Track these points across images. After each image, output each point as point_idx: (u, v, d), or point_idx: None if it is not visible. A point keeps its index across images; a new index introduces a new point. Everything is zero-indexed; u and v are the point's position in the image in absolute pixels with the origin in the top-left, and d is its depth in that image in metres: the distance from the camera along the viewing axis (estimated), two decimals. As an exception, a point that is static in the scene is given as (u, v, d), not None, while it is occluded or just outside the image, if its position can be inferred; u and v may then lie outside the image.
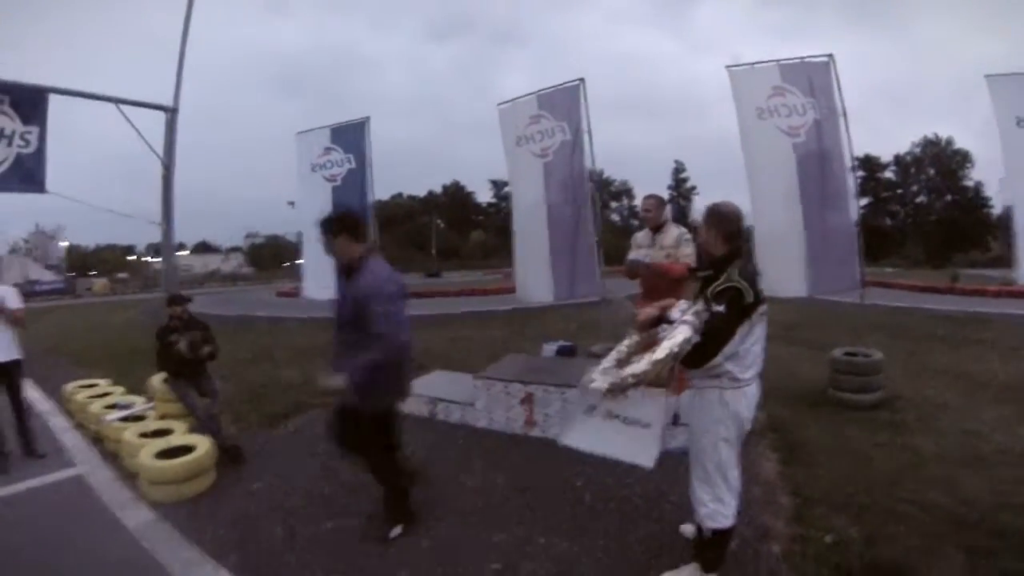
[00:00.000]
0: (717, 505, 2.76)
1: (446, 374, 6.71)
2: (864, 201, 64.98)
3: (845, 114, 5.83)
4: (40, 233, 74.27)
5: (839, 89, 5.85)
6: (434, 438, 5.09)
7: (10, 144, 5.56)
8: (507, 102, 6.92)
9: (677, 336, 2.49)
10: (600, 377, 2.67)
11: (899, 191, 67.60)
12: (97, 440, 5.54)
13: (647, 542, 3.29)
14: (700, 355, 2.57)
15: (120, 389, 6.66)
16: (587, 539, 3.33)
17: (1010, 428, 5.00)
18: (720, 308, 2.55)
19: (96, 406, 5.85)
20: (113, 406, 5.84)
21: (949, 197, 64.40)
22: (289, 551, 3.37)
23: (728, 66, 6.10)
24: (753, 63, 6.09)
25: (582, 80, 6.27)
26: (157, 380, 5.72)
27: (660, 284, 4.79)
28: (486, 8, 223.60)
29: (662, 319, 2.73)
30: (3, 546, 3.56)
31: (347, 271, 3.31)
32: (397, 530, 3.44)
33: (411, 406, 5.70)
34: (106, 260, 74.85)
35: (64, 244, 72.25)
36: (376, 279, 3.18)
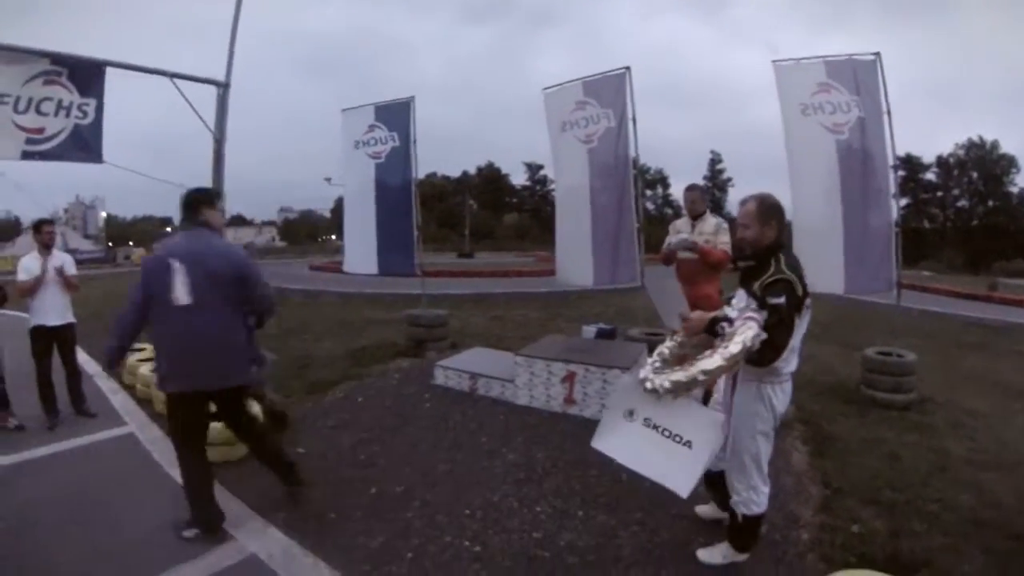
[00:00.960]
0: (750, 493, 2.82)
1: (486, 351, 6.85)
2: (904, 202, 63.51)
3: (890, 113, 5.76)
4: (79, 203, 76.24)
5: (885, 88, 5.79)
6: (475, 412, 5.21)
7: (68, 115, 5.75)
8: (553, 87, 6.94)
9: (747, 331, 2.43)
10: (655, 376, 2.57)
11: (940, 194, 65.65)
12: (145, 401, 5.79)
13: (681, 520, 3.39)
14: (772, 351, 2.52)
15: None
16: (624, 513, 3.44)
17: (1040, 438, 4.96)
18: (780, 300, 2.52)
19: (145, 368, 6.05)
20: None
21: (992, 202, 62.46)
22: (333, 511, 3.54)
23: (774, 60, 6.07)
24: (799, 58, 6.04)
25: (628, 68, 6.29)
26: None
27: (697, 270, 4.89)
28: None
29: (717, 319, 2.66)
30: (64, 497, 3.78)
31: None
32: (190, 532, 3.27)
33: (452, 380, 5.87)
34: (143, 231, 76.50)
35: (103, 215, 73.97)
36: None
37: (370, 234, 7.90)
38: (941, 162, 64.66)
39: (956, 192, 65.16)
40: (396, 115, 7.78)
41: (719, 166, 75.53)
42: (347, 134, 8.11)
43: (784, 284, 2.55)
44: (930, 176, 65.68)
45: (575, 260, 6.85)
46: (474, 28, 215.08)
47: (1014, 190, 61.11)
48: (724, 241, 4.85)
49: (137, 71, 6.38)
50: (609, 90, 6.45)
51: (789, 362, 2.71)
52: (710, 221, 5.02)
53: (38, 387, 5.29)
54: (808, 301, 2.69)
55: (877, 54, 5.83)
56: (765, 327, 2.48)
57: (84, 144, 5.91)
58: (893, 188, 5.90)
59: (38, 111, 5.59)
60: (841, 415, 5.33)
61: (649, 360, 2.80)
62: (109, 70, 6.06)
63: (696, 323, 2.75)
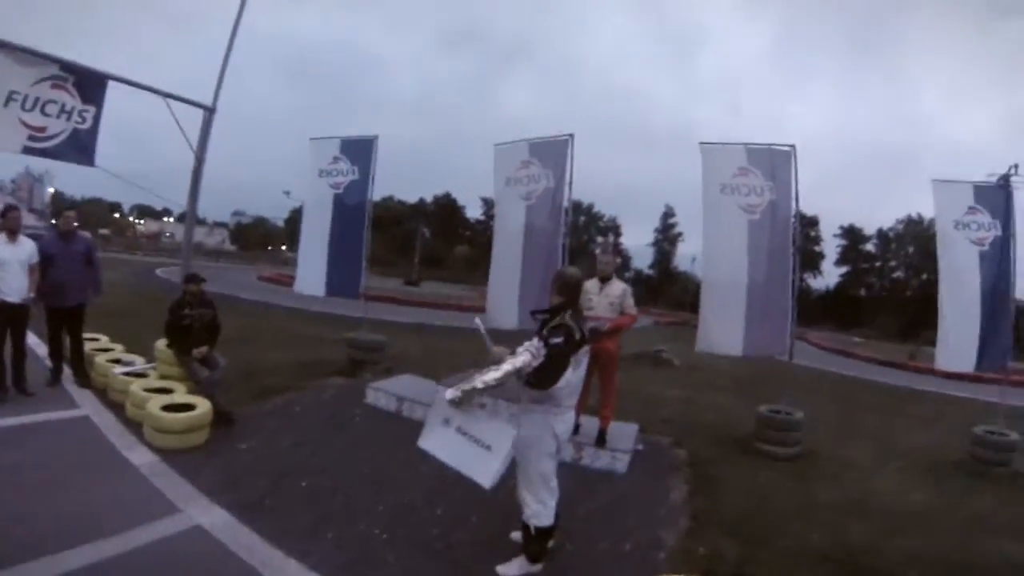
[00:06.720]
0: (539, 506, 3.38)
1: (414, 378, 7.36)
2: (843, 269, 66.51)
3: (798, 200, 6.54)
4: (27, 175, 73.17)
5: (796, 177, 6.54)
6: (399, 429, 5.54)
7: (69, 119, 6.17)
8: (504, 144, 7.45)
9: (518, 359, 3.13)
10: (452, 391, 3.23)
11: (878, 264, 69.26)
12: (99, 390, 6.19)
13: (561, 530, 3.82)
14: (548, 377, 3.20)
15: (119, 347, 7.25)
16: (519, 521, 3.77)
17: (904, 492, 5.49)
18: (559, 340, 3.20)
19: (100, 359, 6.49)
20: (117, 361, 6.48)
21: (926, 276, 65.68)
22: (270, 496, 4.14)
23: (701, 142, 6.78)
24: (724, 143, 6.77)
25: (571, 135, 6.89)
26: (161, 344, 6.32)
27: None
28: (497, 22, 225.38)
29: (512, 352, 3.28)
30: (20, 467, 4.19)
31: None
32: None
33: (382, 401, 6.43)
34: (90, 213, 73.86)
35: (50, 190, 71.16)
36: None
37: (321, 258, 8.30)
38: (881, 234, 68.17)
39: (893, 263, 68.63)
40: (359, 151, 8.20)
41: (671, 220, 74.34)
42: (312, 162, 8.47)
43: (565, 328, 3.27)
44: (870, 247, 69.05)
45: (504, 302, 7.31)
46: (448, 55, 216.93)
47: (947, 265, 64.21)
48: (630, 304, 5.32)
49: (136, 87, 6.84)
50: (552, 153, 6.97)
51: (568, 396, 3.43)
52: (617, 285, 5.36)
53: None
54: (586, 348, 3.46)
55: (792, 146, 6.59)
56: (545, 358, 3.18)
57: (81, 147, 6.36)
58: (793, 266, 6.55)
59: (43, 111, 6.03)
60: (729, 462, 5.76)
61: (454, 386, 3.36)
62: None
63: (497, 354, 3.35)
